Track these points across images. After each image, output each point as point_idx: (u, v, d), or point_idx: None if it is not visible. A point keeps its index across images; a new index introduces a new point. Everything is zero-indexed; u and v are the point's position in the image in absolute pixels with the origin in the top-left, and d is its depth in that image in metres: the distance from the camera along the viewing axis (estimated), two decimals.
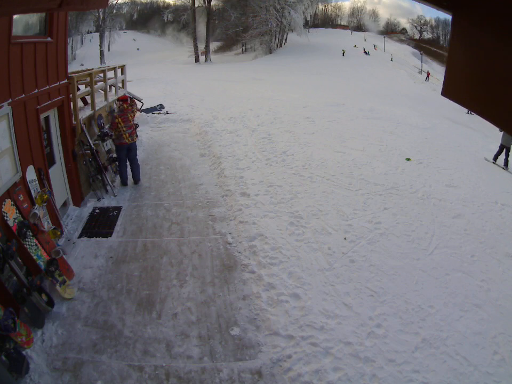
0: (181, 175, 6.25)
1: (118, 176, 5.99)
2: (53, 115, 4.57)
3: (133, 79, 13.87)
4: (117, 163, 5.95)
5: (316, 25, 49.98)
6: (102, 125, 6.11)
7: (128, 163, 5.88)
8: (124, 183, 5.81)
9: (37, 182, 3.82)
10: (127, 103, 5.86)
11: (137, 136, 7.92)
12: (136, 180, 5.93)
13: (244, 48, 41.39)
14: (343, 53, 36.02)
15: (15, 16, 3.41)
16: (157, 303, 3.42)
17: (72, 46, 35.66)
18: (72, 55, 34.47)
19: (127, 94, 7.16)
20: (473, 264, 4.17)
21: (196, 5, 37.51)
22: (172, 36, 44.44)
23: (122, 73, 8.68)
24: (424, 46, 44.36)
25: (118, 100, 5.92)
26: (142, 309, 3.35)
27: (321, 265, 3.91)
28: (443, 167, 7.05)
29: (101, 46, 36.69)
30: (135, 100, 8.82)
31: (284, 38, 40.57)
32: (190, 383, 2.71)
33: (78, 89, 5.60)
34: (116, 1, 40.02)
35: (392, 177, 6.24)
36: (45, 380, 2.66)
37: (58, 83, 4.52)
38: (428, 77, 29.77)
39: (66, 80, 4.79)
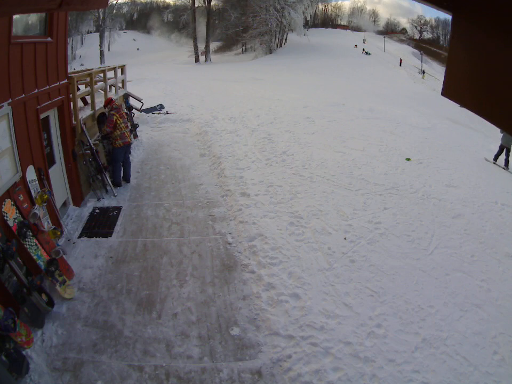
0: (181, 175, 6.25)
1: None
2: (53, 115, 4.57)
3: (133, 79, 13.86)
4: (113, 164, 5.78)
5: (315, 25, 50.06)
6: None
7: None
8: (119, 184, 5.75)
9: (37, 182, 3.82)
10: (114, 101, 5.84)
11: (136, 135, 7.96)
12: (129, 178, 5.96)
13: (243, 48, 41.38)
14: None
15: (15, 16, 3.41)
16: (157, 303, 3.42)
17: (72, 46, 35.66)
18: (72, 55, 34.48)
19: (113, 96, 7.13)
20: (473, 264, 4.17)
21: (196, 5, 37.51)
22: (172, 36, 44.42)
23: (122, 73, 8.69)
24: (424, 46, 44.45)
25: (105, 106, 5.80)
26: (142, 309, 3.35)
27: (321, 265, 3.91)
28: (443, 167, 7.05)
29: (101, 46, 36.70)
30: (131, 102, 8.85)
31: (284, 38, 40.58)
32: (190, 383, 2.71)
33: (78, 89, 5.60)
34: (116, 1, 40.05)
35: (392, 177, 6.25)
36: (45, 380, 2.66)
37: (58, 83, 4.52)
38: (400, 62, 33.50)
39: (66, 80, 4.79)
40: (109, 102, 5.75)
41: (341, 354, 2.90)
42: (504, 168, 7.89)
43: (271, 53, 37.66)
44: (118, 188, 5.69)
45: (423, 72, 31.09)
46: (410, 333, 3.15)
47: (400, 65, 33.93)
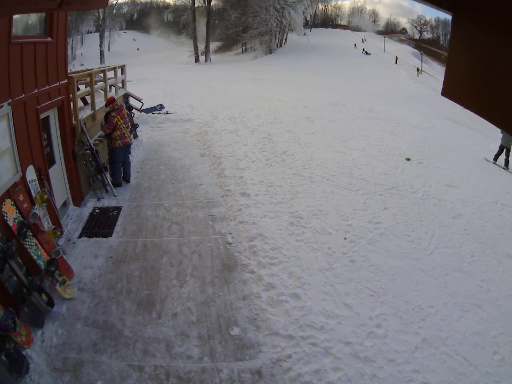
0: (181, 175, 6.25)
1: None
2: (53, 115, 4.57)
3: (133, 79, 13.86)
4: (113, 164, 5.79)
5: (316, 25, 50.11)
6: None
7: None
8: (119, 184, 5.76)
9: (37, 182, 3.82)
10: (116, 101, 5.85)
11: (137, 136, 7.97)
12: (129, 178, 5.97)
13: (243, 48, 41.36)
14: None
15: (15, 16, 3.41)
16: (157, 303, 3.42)
17: (72, 46, 35.63)
18: (72, 55, 34.45)
19: (114, 95, 7.14)
20: (473, 264, 4.17)
21: (196, 5, 37.49)
22: (171, 36, 44.40)
23: (122, 73, 8.69)
24: (424, 46, 44.43)
25: (106, 105, 5.80)
26: (142, 309, 3.35)
27: (321, 265, 3.91)
28: (443, 167, 7.05)
29: (101, 46, 36.66)
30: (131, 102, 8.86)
31: (284, 38, 40.58)
32: (190, 383, 2.71)
33: (78, 89, 5.60)
34: (116, 1, 40.02)
35: (392, 177, 6.24)
36: (45, 380, 2.66)
37: (58, 83, 4.52)
38: (396, 60, 34.56)
39: (66, 80, 4.79)
40: (111, 101, 5.75)
41: (341, 354, 2.90)
42: (504, 168, 7.89)
43: (271, 53, 37.64)
44: (118, 187, 5.69)
45: (417, 69, 31.63)
46: (410, 333, 3.15)
47: (396, 62, 34.45)
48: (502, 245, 4.64)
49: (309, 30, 44.80)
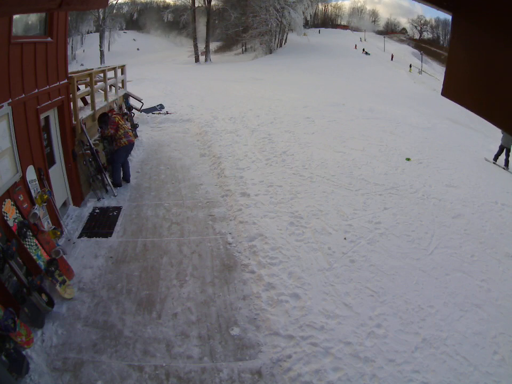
0: (181, 175, 6.25)
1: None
2: (53, 115, 4.57)
3: (133, 79, 13.86)
4: (113, 164, 5.78)
5: (316, 25, 50.21)
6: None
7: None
8: (119, 184, 5.76)
9: (37, 182, 3.82)
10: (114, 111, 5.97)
11: (137, 135, 7.97)
12: (129, 178, 5.98)
13: (243, 48, 41.39)
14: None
15: (15, 16, 3.41)
16: (157, 303, 3.42)
17: (72, 46, 35.63)
18: (72, 55, 34.46)
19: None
20: (473, 264, 4.17)
21: (196, 5, 37.50)
22: (171, 36, 44.42)
23: (122, 73, 8.69)
24: (424, 46, 44.49)
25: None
26: (142, 309, 3.35)
27: (321, 265, 3.90)
28: (443, 167, 7.05)
29: (101, 46, 36.67)
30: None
31: (284, 38, 40.60)
32: (190, 383, 2.71)
33: (78, 89, 5.60)
34: (116, 1, 40.02)
35: (392, 177, 6.24)
36: (45, 380, 2.66)
37: (58, 83, 4.52)
38: (392, 58, 36.19)
39: (66, 80, 4.79)
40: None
41: (341, 354, 2.90)
42: (504, 168, 7.89)
43: (271, 53, 37.66)
44: (118, 187, 5.69)
45: (410, 65, 32.21)
46: (410, 333, 3.15)
47: (392, 59, 35.35)
48: (502, 245, 4.64)
49: (318, 31, 45.16)
